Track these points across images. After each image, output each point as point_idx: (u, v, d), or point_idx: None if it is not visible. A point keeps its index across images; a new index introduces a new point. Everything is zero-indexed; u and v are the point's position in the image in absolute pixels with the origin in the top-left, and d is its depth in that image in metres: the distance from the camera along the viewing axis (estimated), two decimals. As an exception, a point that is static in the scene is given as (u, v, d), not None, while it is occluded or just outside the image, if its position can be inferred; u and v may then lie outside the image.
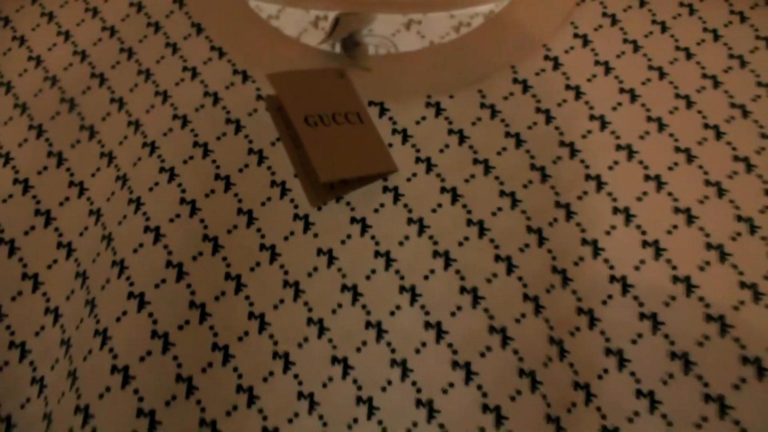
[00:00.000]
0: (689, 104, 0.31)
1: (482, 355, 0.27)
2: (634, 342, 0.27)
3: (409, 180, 0.30)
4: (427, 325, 0.28)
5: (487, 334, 0.27)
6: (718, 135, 0.30)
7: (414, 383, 0.27)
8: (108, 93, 0.33)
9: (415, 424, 0.26)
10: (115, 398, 0.26)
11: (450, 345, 0.27)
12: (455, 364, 0.27)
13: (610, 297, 0.28)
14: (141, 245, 0.29)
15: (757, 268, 0.27)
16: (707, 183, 0.29)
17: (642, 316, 0.27)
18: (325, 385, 0.27)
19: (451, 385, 0.27)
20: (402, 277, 0.28)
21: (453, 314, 0.28)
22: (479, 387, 0.27)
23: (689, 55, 0.32)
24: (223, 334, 0.28)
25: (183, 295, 0.28)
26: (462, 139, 0.31)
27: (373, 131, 0.31)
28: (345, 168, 0.29)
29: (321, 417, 0.27)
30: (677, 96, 0.31)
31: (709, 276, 0.27)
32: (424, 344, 0.27)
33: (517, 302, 0.28)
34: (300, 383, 0.27)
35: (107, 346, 0.27)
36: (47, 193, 0.32)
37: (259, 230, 0.30)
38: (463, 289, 0.28)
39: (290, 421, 0.27)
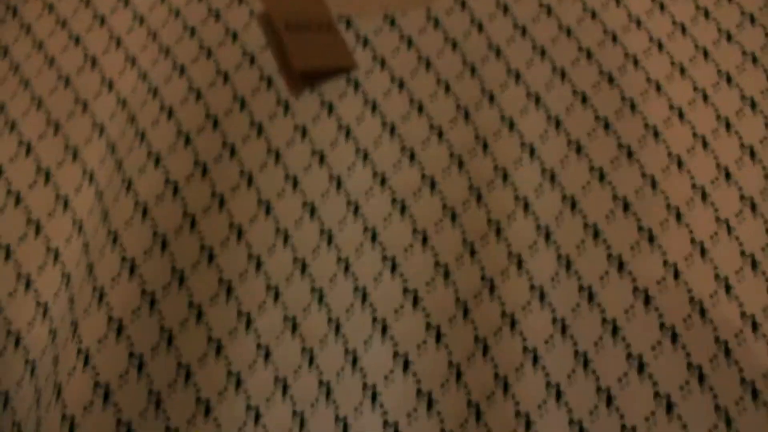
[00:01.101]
0: (568, 32, 0.39)
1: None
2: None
3: (366, 75, 0.38)
4: (375, 174, 0.36)
5: (420, 183, 0.36)
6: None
7: (362, 220, 0.35)
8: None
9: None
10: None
11: (390, 189, 0.36)
12: (394, 202, 0.35)
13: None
14: (158, 121, 0.38)
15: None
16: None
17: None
18: (297, 227, 0.36)
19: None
20: (357, 144, 0.37)
21: (395, 166, 0.36)
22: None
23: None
24: (219, 186, 0.36)
25: (189, 157, 0.37)
26: (410, 44, 0.39)
27: (339, 36, 0.39)
28: (314, 60, 0.37)
29: (294, 250, 0.35)
30: (559, 27, 0.39)
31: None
32: (372, 189, 0.36)
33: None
34: (277, 223, 0.36)
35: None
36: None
37: (249, 113, 0.38)
38: (403, 149, 0.36)
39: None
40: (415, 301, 0.33)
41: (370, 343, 0.33)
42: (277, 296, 0.34)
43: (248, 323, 0.34)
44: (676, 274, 0.33)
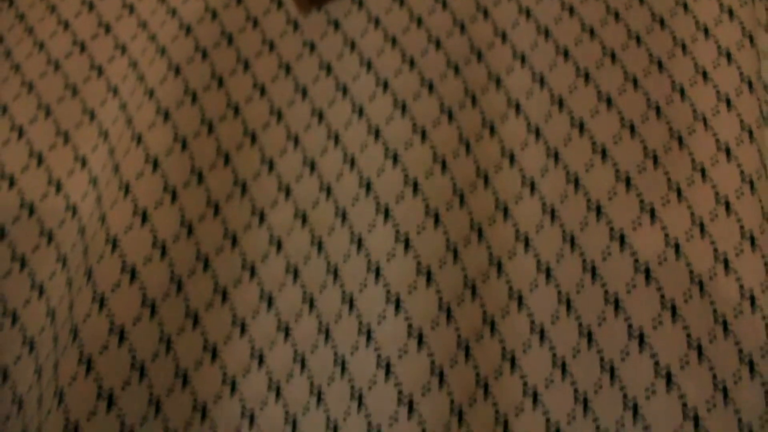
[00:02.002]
0: None
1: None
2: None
3: None
4: (378, 81, 0.39)
5: (419, 87, 0.38)
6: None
7: (367, 120, 0.38)
8: None
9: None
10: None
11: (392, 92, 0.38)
12: (395, 103, 0.38)
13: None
14: (177, 37, 0.40)
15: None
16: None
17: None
18: (306, 131, 0.39)
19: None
20: (361, 55, 0.40)
21: (396, 73, 0.39)
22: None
23: None
24: (234, 97, 0.39)
25: (206, 69, 0.39)
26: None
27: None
28: (322, -21, 0.40)
29: (304, 151, 0.38)
30: None
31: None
32: (375, 93, 0.38)
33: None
34: (288, 130, 0.39)
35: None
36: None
37: (262, 31, 0.41)
38: (404, 58, 0.39)
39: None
40: (415, 189, 0.36)
41: (374, 227, 0.36)
42: (288, 192, 0.37)
43: (261, 217, 0.37)
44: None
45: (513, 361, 0.34)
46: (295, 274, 0.36)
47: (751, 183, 0.35)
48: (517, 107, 0.38)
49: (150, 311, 0.35)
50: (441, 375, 0.33)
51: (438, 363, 0.33)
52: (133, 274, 0.35)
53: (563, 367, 0.34)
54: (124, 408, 0.33)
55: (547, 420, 0.33)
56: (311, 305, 0.35)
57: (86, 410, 0.33)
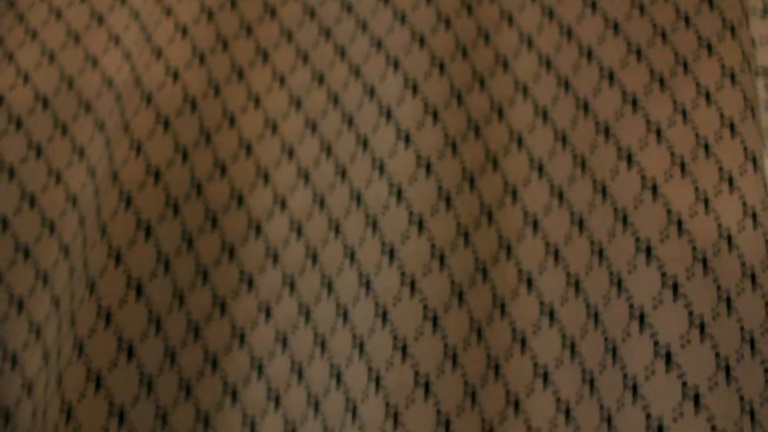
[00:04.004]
0: None
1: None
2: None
3: None
4: (372, 41, 0.43)
5: (410, 40, 0.43)
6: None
7: (363, 81, 0.42)
8: None
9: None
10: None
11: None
12: (388, 60, 0.43)
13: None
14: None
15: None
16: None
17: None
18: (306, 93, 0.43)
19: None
20: (357, 17, 0.44)
21: (389, 29, 0.43)
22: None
23: None
24: (238, 60, 0.43)
25: (212, 30, 0.42)
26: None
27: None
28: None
29: (306, 113, 0.42)
30: None
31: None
32: (369, 54, 0.43)
33: None
34: (291, 93, 0.43)
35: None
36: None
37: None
38: (395, 14, 0.44)
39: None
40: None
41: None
42: (291, 155, 0.42)
43: (266, 176, 0.41)
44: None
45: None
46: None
47: (731, 124, 0.38)
48: (511, 59, 0.43)
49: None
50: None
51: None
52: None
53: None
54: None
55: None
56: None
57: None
